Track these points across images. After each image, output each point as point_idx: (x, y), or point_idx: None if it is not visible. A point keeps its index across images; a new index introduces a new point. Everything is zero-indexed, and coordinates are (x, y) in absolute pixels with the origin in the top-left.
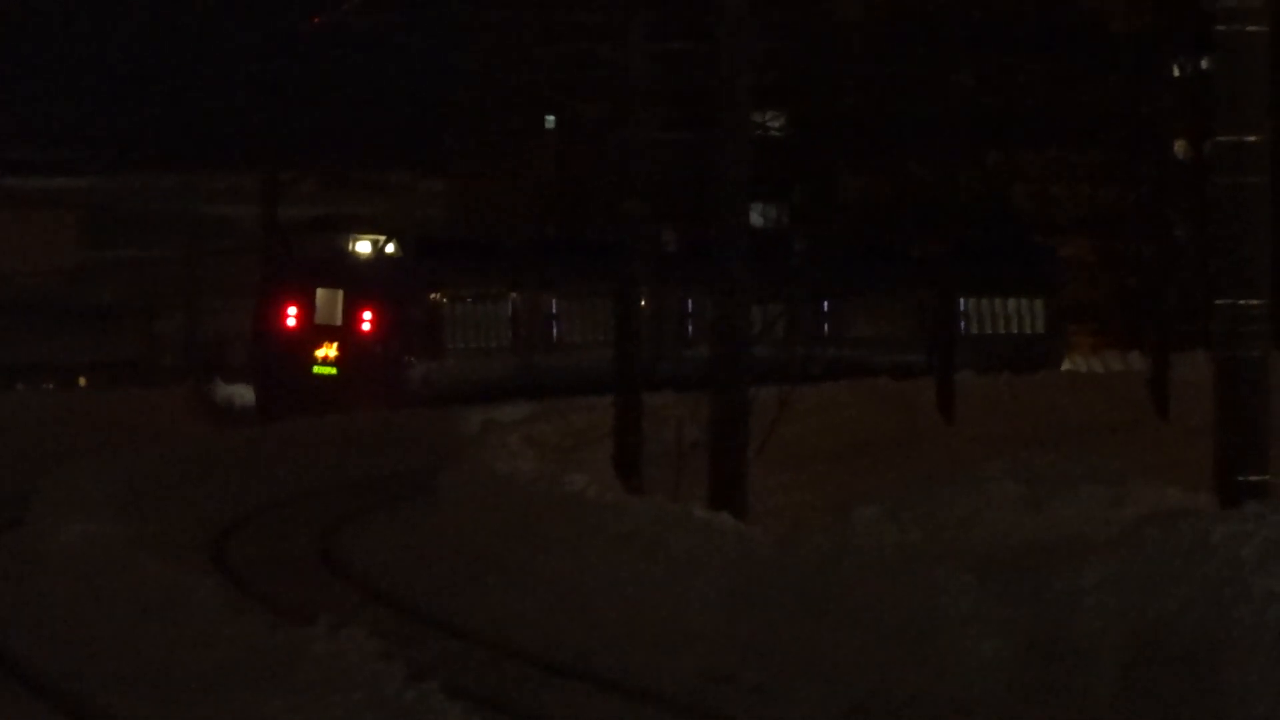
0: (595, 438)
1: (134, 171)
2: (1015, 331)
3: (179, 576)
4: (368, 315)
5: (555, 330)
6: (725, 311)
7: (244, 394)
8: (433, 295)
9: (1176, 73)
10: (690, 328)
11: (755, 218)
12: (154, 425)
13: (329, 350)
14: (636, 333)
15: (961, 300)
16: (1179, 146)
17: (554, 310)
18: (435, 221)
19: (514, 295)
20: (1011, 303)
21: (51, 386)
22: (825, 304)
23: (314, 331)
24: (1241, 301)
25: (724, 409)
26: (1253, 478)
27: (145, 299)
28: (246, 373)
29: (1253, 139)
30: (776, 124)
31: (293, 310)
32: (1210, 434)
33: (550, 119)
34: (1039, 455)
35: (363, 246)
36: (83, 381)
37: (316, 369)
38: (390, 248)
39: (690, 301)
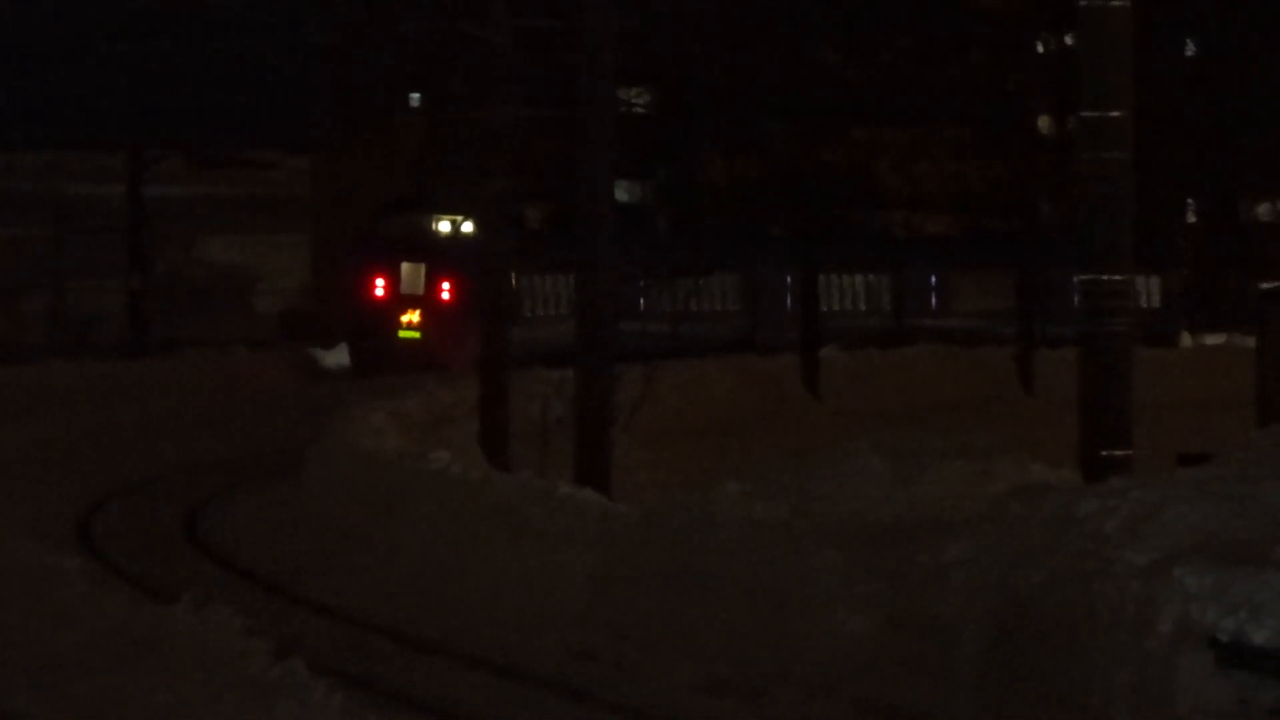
0: (460, 414)
1: None
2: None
3: (43, 555)
4: (446, 285)
5: (642, 301)
6: (590, 288)
7: (332, 356)
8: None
9: (1040, 48)
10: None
11: (620, 194)
12: (19, 404)
13: (413, 316)
14: (505, 309)
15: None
16: (1042, 122)
17: (640, 284)
18: (303, 198)
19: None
20: None
21: None
22: (934, 278)
23: (399, 300)
24: (1104, 276)
25: (589, 385)
26: (1116, 453)
27: (11, 277)
28: (342, 335)
29: (1115, 114)
30: (641, 101)
31: (381, 281)
32: (1075, 409)
33: (415, 96)
34: (904, 431)
35: (443, 225)
36: None
37: (402, 333)
38: (467, 226)
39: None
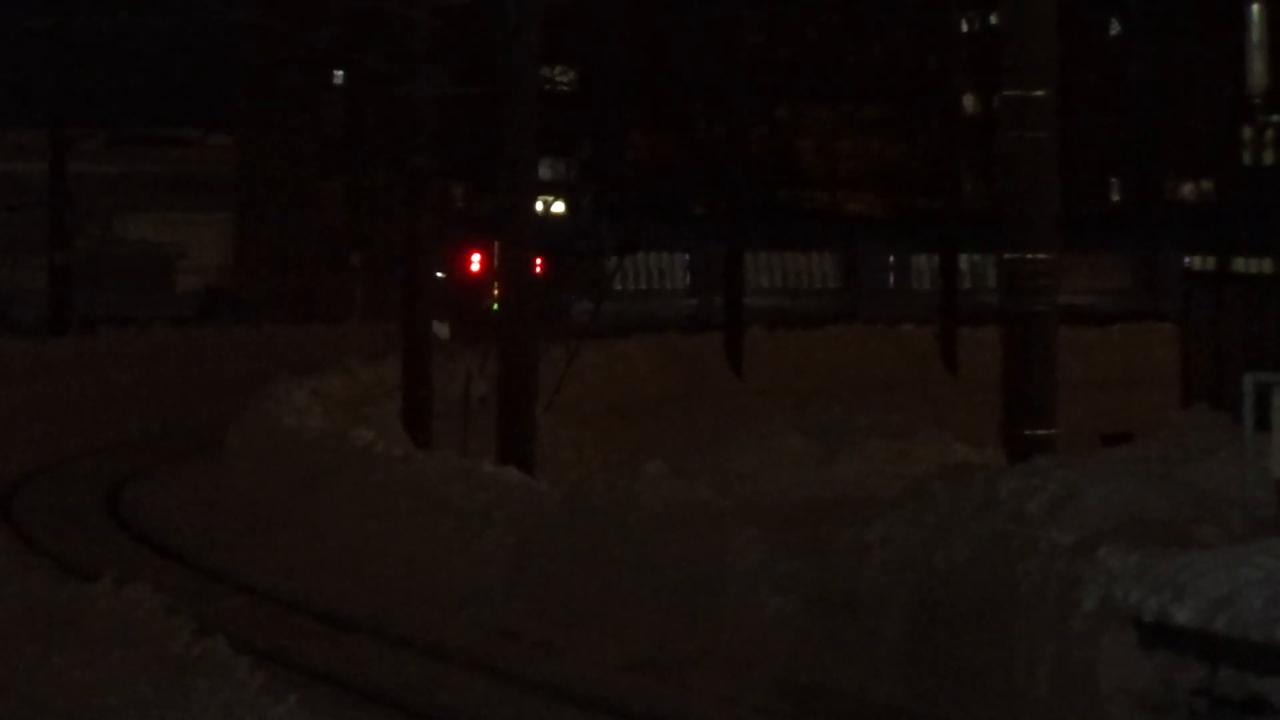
0: (382, 392)
1: None
2: None
3: None
4: (537, 261)
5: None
6: (513, 265)
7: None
8: (599, 246)
9: (964, 27)
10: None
11: (543, 172)
12: None
13: None
14: (423, 289)
15: (1188, 258)
16: (966, 101)
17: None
18: (224, 176)
19: (693, 247)
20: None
21: None
22: None
23: (493, 275)
24: (1028, 256)
25: (512, 364)
26: (1039, 432)
27: None
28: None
29: (1040, 94)
30: (565, 79)
31: (476, 258)
32: (998, 389)
33: (338, 74)
34: (827, 410)
35: (536, 205)
36: None
37: (495, 306)
38: (557, 206)
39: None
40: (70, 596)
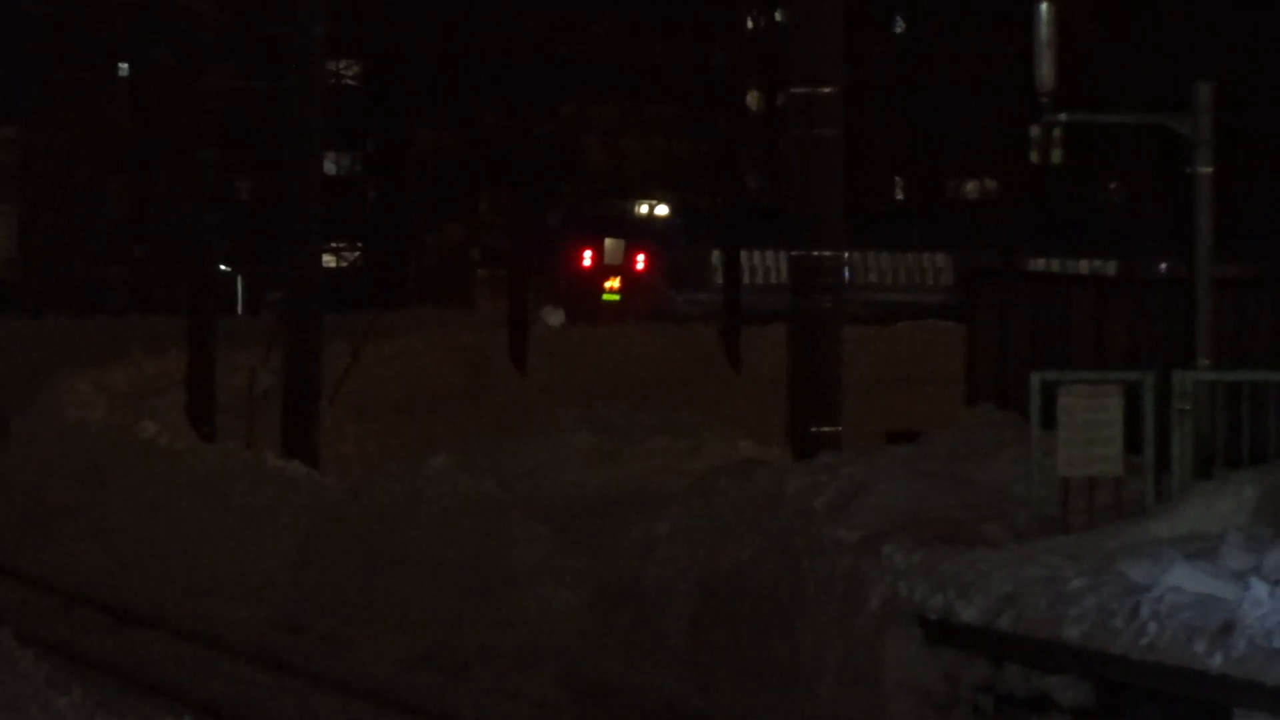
0: (167, 385)
1: None
2: None
3: None
4: (641, 257)
5: (847, 274)
6: (297, 260)
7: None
8: (701, 244)
9: (750, 24)
10: None
11: (328, 166)
12: None
13: (614, 282)
14: (210, 282)
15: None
16: (751, 98)
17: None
18: (9, 168)
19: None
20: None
21: None
22: None
23: (604, 269)
24: (814, 253)
25: (296, 357)
26: (824, 429)
27: None
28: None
29: (827, 91)
30: (350, 73)
31: (588, 254)
32: (782, 386)
33: (124, 66)
34: (612, 406)
35: (641, 207)
36: None
37: (605, 296)
38: (660, 209)
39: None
40: None
